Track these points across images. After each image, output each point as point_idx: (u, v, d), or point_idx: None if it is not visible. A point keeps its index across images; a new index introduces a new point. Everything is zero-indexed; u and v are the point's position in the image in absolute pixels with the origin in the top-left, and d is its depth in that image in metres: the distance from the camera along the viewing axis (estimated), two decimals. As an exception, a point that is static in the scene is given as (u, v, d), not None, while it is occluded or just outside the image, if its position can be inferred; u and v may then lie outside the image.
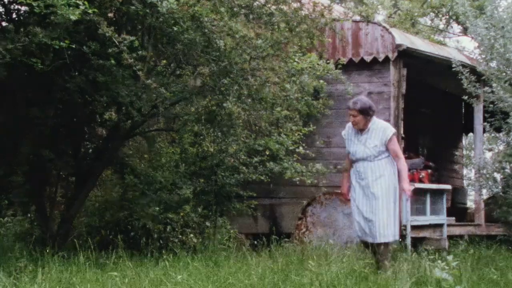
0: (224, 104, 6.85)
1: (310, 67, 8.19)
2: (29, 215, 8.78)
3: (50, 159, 7.26)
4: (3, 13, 6.93)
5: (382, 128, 6.05)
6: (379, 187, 5.93)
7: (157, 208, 7.52)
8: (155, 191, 7.72)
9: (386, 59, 9.02)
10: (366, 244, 6.01)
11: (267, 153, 8.12)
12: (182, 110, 7.70)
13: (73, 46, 5.93)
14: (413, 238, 8.47)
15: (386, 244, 5.90)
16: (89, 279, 4.75)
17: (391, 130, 6.09)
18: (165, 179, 7.85)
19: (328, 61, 8.75)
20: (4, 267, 5.32)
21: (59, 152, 7.48)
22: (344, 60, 9.02)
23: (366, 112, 6.03)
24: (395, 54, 8.90)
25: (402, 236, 7.75)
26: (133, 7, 6.13)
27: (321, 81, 8.68)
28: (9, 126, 7.48)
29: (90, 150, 8.47)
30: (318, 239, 7.80)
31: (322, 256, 6.12)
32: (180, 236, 7.52)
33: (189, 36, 6.17)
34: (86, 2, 5.61)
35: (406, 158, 9.89)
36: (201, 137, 8.12)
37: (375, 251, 5.86)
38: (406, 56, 9.00)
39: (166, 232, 7.49)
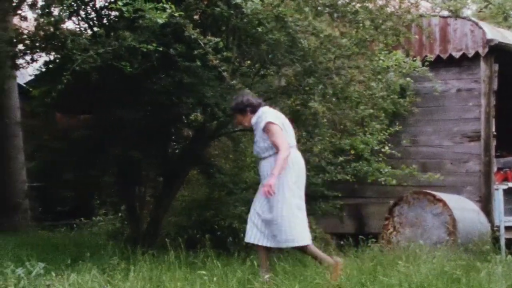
0: (309, 104, 6.80)
1: (396, 65, 8.04)
2: (119, 214, 9.04)
3: (138, 160, 7.44)
4: (95, 18, 7.17)
5: (260, 120, 5.49)
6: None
7: (243, 208, 7.57)
8: (240, 190, 7.77)
9: (476, 54, 8.76)
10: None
11: (352, 152, 8.02)
12: (266, 110, 7.71)
13: (160, 49, 6.06)
14: (507, 240, 8.17)
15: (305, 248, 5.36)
16: (179, 278, 4.83)
17: (266, 119, 5.42)
18: (251, 179, 7.88)
19: (414, 58, 8.57)
20: (98, 264, 5.49)
21: (147, 153, 7.65)
22: (431, 57, 8.81)
23: (241, 110, 5.62)
24: (486, 49, 8.63)
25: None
26: (218, 9, 6.19)
27: (408, 78, 8.51)
28: (100, 128, 7.73)
29: (177, 151, 8.63)
30: (406, 240, 7.63)
31: (411, 256, 5.98)
32: (266, 236, 7.52)
33: (274, 36, 6.16)
34: (173, 6, 5.71)
35: (498, 156, 9.63)
36: (286, 137, 8.10)
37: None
38: (498, 51, 8.69)
39: (253, 231, 7.51)
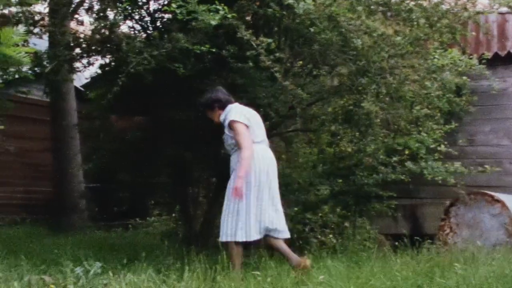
0: (362, 104, 6.74)
1: (451, 63, 7.87)
2: (173, 215, 9.14)
3: (191, 160, 7.51)
4: (149, 21, 7.28)
5: (226, 117, 5.52)
6: (230, 182, 5.45)
7: (296, 208, 7.56)
8: (293, 191, 7.75)
9: (536, 51, 8.55)
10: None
11: (407, 152, 7.90)
12: (319, 110, 7.69)
13: (213, 50, 6.11)
14: None
15: (226, 244, 5.38)
16: (233, 278, 4.85)
17: (230, 117, 5.45)
18: (303, 180, 7.86)
19: (471, 56, 8.38)
20: (153, 264, 5.56)
21: (200, 154, 7.71)
22: (488, 55, 8.61)
23: (209, 106, 5.69)
24: (546, 46, 8.41)
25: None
26: (270, 10, 6.19)
27: (464, 77, 8.32)
28: (154, 130, 7.84)
29: (230, 151, 8.66)
30: (463, 241, 7.47)
31: (469, 258, 5.85)
32: (319, 237, 7.50)
33: (326, 36, 6.13)
34: (225, 7, 5.74)
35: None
36: (338, 137, 8.05)
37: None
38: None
39: (305, 232, 7.50)
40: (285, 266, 5.36)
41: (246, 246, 5.76)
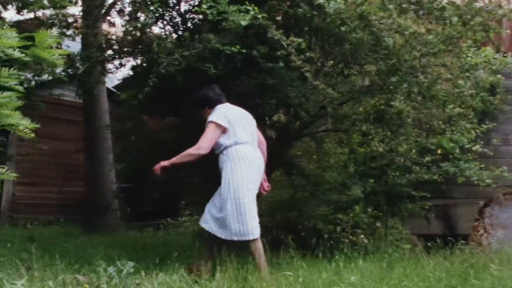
0: (393, 103, 6.68)
1: (485, 62, 7.76)
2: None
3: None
4: (179, 22, 7.32)
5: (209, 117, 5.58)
6: (222, 182, 5.46)
7: (327, 209, 7.53)
8: (324, 191, 7.73)
9: None
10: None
11: (440, 152, 7.82)
12: (350, 110, 7.63)
13: (243, 51, 6.11)
14: None
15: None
16: (264, 278, 4.85)
17: (211, 117, 5.51)
18: (334, 180, 7.83)
19: (505, 54, 8.25)
20: (185, 264, 5.59)
21: (232, 154, 7.72)
22: (523, 53, 8.48)
23: (199, 105, 5.79)
24: None
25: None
26: (301, 9, 6.17)
27: (498, 75, 8.20)
28: (186, 129, 7.86)
29: (261, 152, 8.67)
30: (498, 242, 7.37)
31: (504, 259, 5.77)
32: (350, 237, 7.46)
33: (357, 35, 6.09)
34: (256, 7, 5.74)
35: None
36: (370, 137, 8.00)
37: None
38: None
39: (336, 232, 7.47)
40: (316, 267, 5.34)
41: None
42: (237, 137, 5.48)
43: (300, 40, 6.02)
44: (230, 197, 5.39)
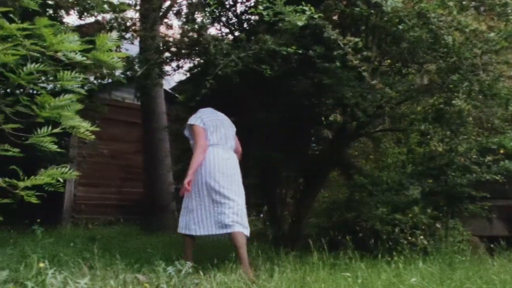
0: (453, 102, 6.56)
1: (551, 58, 7.53)
2: (261, 215, 9.18)
3: (279, 161, 7.52)
4: (235, 23, 7.36)
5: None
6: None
7: (385, 209, 7.44)
8: (382, 192, 7.64)
9: None
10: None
11: (501, 151, 7.61)
12: (408, 109, 7.54)
13: (300, 51, 6.09)
14: None
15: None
16: (323, 279, 4.82)
17: (189, 121, 5.94)
18: (392, 180, 7.73)
19: None
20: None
21: (287, 154, 7.72)
22: None
23: None
24: None
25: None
26: (357, 8, 6.12)
27: None
28: (241, 130, 7.90)
29: (317, 152, 8.64)
30: None
31: None
32: (409, 238, 7.35)
33: (415, 33, 6.00)
34: (312, 8, 5.72)
35: None
36: (428, 136, 7.86)
37: None
38: None
39: (395, 233, 7.37)
40: (375, 268, 5.28)
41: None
42: (210, 140, 5.90)
43: (357, 39, 5.97)
44: (194, 193, 5.83)
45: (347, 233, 7.29)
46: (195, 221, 5.78)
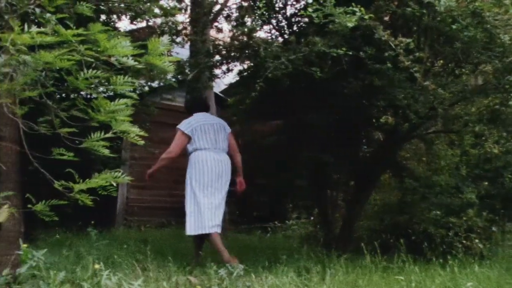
0: (509, 102, 6.40)
1: None
2: (312, 218, 9.14)
3: (329, 163, 7.48)
4: (285, 26, 7.36)
5: None
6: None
7: (438, 212, 7.31)
8: (435, 194, 7.52)
9: None
10: None
11: (560, 153, 7.41)
12: (462, 110, 7.39)
13: (350, 53, 6.04)
14: None
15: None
16: (376, 282, 4.77)
17: (179, 125, 6.31)
18: (446, 182, 7.60)
19: None
20: (294, 267, 5.59)
21: (338, 157, 7.67)
22: None
23: (186, 110, 6.78)
24: None
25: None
26: (409, 9, 6.03)
27: None
28: (291, 133, 7.90)
29: (368, 154, 8.56)
30: None
31: None
32: (464, 241, 7.21)
33: (469, 33, 5.87)
34: (362, 9, 5.66)
35: None
36: (483, 138, 7.70)
37: None
38: None
39: (449, 236, 7.24)
40: (429, 272, 5.19)
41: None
42: (196, 144, 6.29)
43: (408, 40, 5.88)
44: (186, 195, 6.32)
45: (400, 236, 7.20)
46: (190, 222, 6.20)
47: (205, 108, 6.62)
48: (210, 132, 6.32)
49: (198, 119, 6.40)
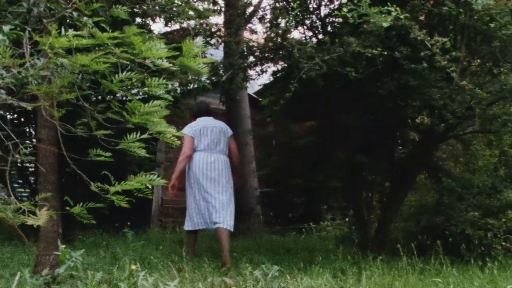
0: (550, 101, 6.28)
1: None
2: (347, 219, 9.08)
3: (365, 164, 7.43)
4: (319, 26, 7.33)
5: None
6: None
7: (476, 213, 7.20)
8: (473, 195, 7.41)
9: None
10: None
11: None
12: (500, 110, 7.26)
13: (385, 53, 5.99)
14: None
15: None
16: (413, 284, 4.72)
17: (183, 129, 6.75)
18: (483, 183, 7.49)
19: None
20: (329, 269, 5.57)
21: (373, 157, 7.62)
22: None
23: (191, 115, 7.33)
24: None
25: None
26: (445, 8, 5.95)
27: None
28: (325, 134, 7.86)
29: (404, 155, 8.47)
30: None
31: None
32: (503, 243, 7.09)
33: (508, 31, 5.77)
34: (397, 8, 5.61)
35: None
36: (523, 138, 7.58)
37: None
38: None
39: (487, 238, 7.12)
40: (467, 274, 5.12)
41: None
42: (198, 146, 6.82)
43: (445, 39, 5.81)
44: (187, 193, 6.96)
45: (436, 238, 7.11)
46: (191, 218, 6.80)
47: (207, 113, 7.11)
48: (208, 135, 6.87)
49: (199, 123, 6.94)
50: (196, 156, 6.79)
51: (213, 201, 6.63)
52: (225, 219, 6.56)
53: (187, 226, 6.85)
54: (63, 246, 4.62)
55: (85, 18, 3.57)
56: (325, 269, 5.42)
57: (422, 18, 6.72)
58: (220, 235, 6.46)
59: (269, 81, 8.87)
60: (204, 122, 6.92)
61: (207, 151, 6.81)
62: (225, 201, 6.66)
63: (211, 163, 6.77)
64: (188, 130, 6.84)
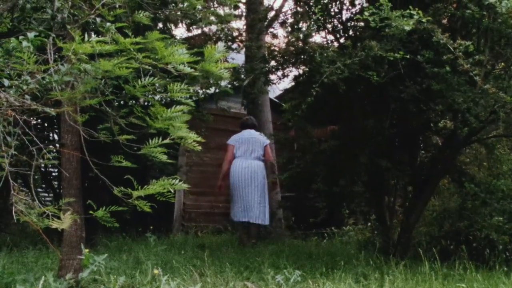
0: None
1: None
2: (369, 224, 9.03)
3: (387, 168, 7.38)
4: (341, 30, 7.31)
5: None
6: None
7: (501, 218, 7.12)
8: (497, 200, 7.32)
9: None
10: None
11: None
12: (525, 114, 7.17)
13: (407, 56, 5.96)
14: None
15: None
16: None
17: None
18: (508, 188, 7.40)
19: None
20: (352, 274, 5.54)
21: (395, 162, 7.56)
22: None
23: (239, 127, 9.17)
24: None
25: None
26: (469, 11, 5.91)
27: None
28: (348, 138, 7.82)
29: (426, 159, 8.40)
30: None
31: None
32: (530, 249, 7.00)
33: (533, 34, 5.72)
34: (420, 12, 5.58)
35: None
36: (548, 142, 7.47)
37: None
38: None
39: (513, 244, 7.03)
40: (492, 280, 5.06)
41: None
42: (236, 153, 8.77)
43: (468, 43, 5.77)
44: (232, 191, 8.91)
45: (460, 243, 7.04)
46: (236, 212, 8.68)
47: (251, 126, 8.97)
48: (245, 144, 8.74)
49: (241, 135, 8.81)
50: (235, 161, 8.70)
51: (247, 198, 8.44)
52: (255, 215, 8.52)
53: (234, 217, 8.77)
54: (87, 250, 4.65)
55: (108, 24, 3.60)
56: (347, 274, 5.39)
57: (444, 21, 6.67)
58: (251, 227, 8.59)
59: (290, 86, 8.87)
60: (245, 134, 8.78)
61: (242, 158, 8.70)
62: (257, 199, 8.48)
63: (245, 168, 8.61)
64: (231, 140, 8.76)
